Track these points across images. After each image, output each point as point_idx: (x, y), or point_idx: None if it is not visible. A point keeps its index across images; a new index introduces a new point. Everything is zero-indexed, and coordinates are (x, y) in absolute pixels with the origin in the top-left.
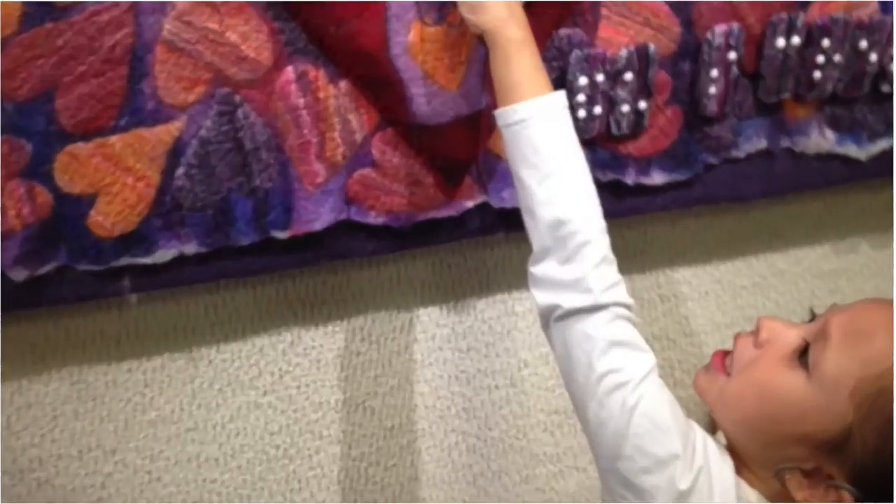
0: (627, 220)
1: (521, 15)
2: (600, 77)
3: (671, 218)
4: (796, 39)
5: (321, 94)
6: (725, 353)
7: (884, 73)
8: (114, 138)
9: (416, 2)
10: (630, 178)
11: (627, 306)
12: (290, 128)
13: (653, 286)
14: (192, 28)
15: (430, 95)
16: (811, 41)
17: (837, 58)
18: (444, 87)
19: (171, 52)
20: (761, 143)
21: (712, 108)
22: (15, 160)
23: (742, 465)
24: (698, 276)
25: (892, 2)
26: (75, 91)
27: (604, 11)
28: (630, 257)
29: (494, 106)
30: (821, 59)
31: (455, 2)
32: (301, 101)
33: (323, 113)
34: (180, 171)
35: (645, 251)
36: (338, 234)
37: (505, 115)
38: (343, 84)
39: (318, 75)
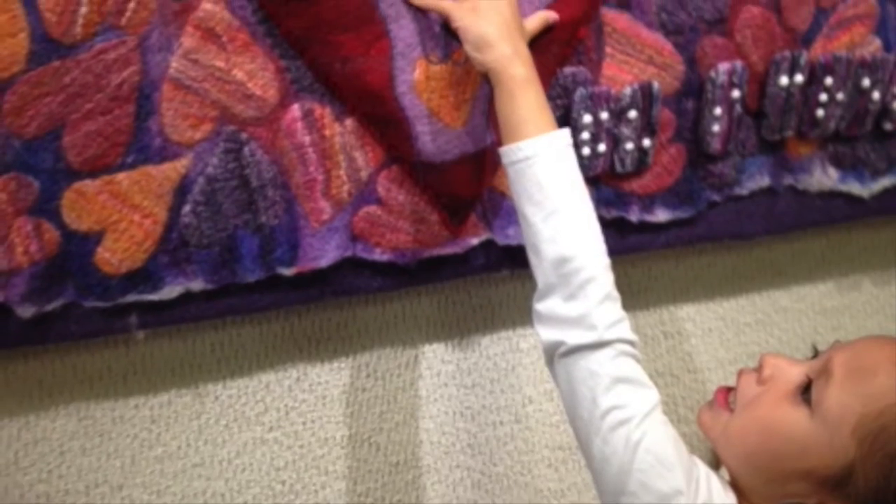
0: (631, 257)
1: (525, 53)
2: (604, 115)
3: (675, 255)
4: (799, 78)
5: (327, 132)
6: (729, 390)
7: (886, 111)
8: (121, 176)
9: (422, 40)
10: (634, 216)
11: (631, 343)
12: (296, 165)
13: (656, 323)
14: (198, 66)
15: (436, 133)
16: (814, 79)
17: (840, 96)
18: (449, 124)
19: (178, 90)
20: (764, 181)
21: (716, 145)
22: (23, 197)
23: (745, 500)
24: (702, 313)
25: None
26: (82, 128)
27: (608, 50)
28: (634, 294)
29: (499, 144)
30: (823, 97)
31: (460, 40)
32: (307, 139)
33: (329, 150)
34: (187, 208)
35: (649, 288)
36: (343, 271)
37: (509, 152)
38: (349, 122)
39: (324, 113)
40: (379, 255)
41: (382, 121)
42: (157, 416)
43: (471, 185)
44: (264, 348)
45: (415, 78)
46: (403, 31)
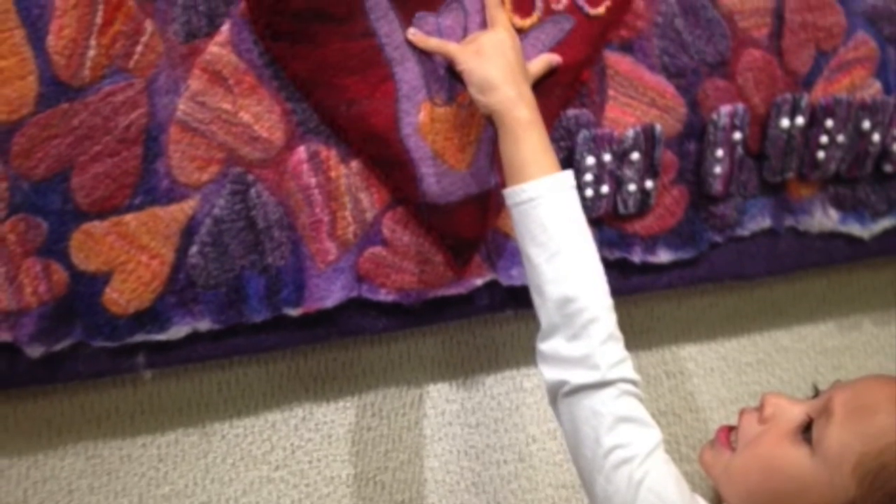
0: (634, 297)
1: (529, 96)
2: (607, 157)
3: (677, 296)
4: (800, 120)
5: (333, 174)
6: (730, 429)
7: (886, 153)
8: (129, 217)
9: (427, 83)
10: (636, 257)
11: (634, 382)
12: (302, 206)
13: (659, 363)
14: (205, 108)
15: (440, 175)
16: (815, 121)
17: (841, 138)
18: (453, 166)
19: (185, 132)
20: (765, 222)
21: (717, 187)
22: (31, 238)
23: None
24: (704, 352)
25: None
26: (90, 170)
27: (611, 92)
28: (636, 334)
29: (503, 185)
30: (824, 139)
31: (464, 83)
32: (313, 181)
33: (334, 192)
34: (194, 249)
35: (651, 328)
36: (349, 312)
37: (513, 194)
38: (354, 163)
39: (330, 155)
40: (384, 296)
41: (387, 163)
42: (164, 454)
43: (475, 226)
44: (270, 388)
45: (420, 120)
46: (408, 73)
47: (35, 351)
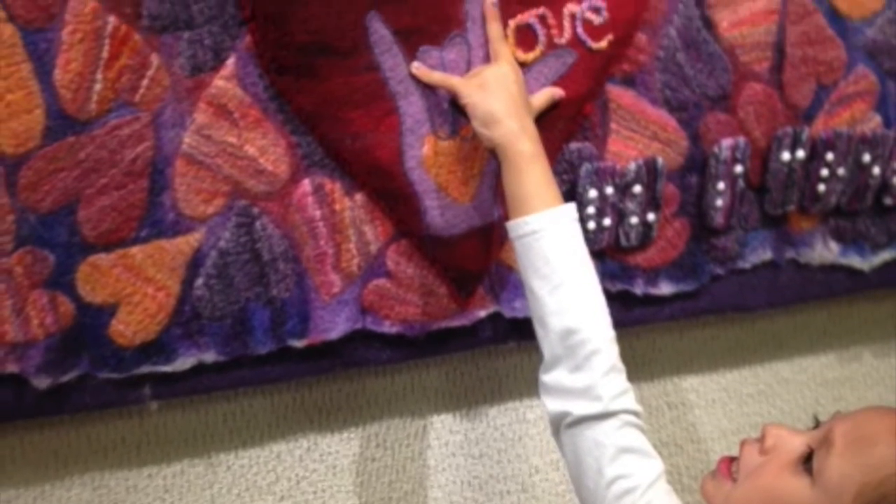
0: (636, 329)
1: (532, 129)
2: (610, 190)
3: (679, 328)
4: (801, 153)
5: (337, 207)
6: (731, 460)
7: (886, 186)
8: (135, 249)
9: (430, 116)
10: (638, 289)
11: (636, 413)
12: (307, 239)
13: (661, 394)
14: (211, 141)
15: (444, 208)
16: (815, 155)
17: (841, 171)
18: (457, 199)
19: (191, 165)
20: (767, 255)
21: (719, 220)
22: (38, 270)
23: None
24: (705, 384)
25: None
26: (97, 203)
27: (613, 126)
28: (638, 366)
29: (506, 218)
30: (825, 172)
31: (468, 116)
32: (317, 213)
33: (339, 225)
34: (200, 281)
35: (653, 360)
36: (353, 343)
37: (516, 226)
38: (358, 196)
39: (335, 188)
40: (388, 328)
41: (391, 195)
42: (170, 485)
43: (478, 258)
44: (275, 419)
45: (423, 153)
46: (412, 107)
47: (42, 382)
